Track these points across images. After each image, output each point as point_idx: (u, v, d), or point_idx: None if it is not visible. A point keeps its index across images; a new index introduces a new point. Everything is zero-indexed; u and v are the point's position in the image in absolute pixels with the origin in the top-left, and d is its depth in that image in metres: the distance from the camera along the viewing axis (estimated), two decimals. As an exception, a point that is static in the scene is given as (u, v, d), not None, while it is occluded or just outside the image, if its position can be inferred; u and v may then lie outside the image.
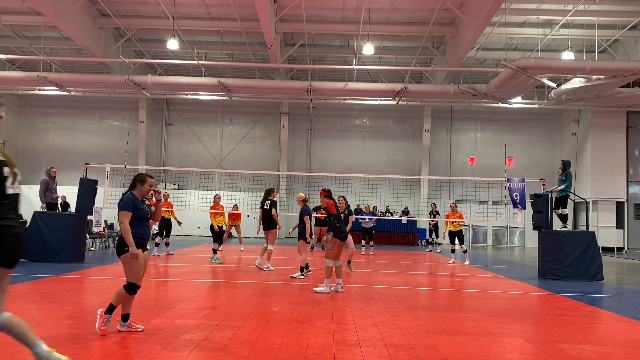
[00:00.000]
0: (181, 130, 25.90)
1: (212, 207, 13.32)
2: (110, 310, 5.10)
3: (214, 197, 13.67)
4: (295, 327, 5.69)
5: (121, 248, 5.08)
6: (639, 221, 23.76)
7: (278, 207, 11.42)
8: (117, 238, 5.18)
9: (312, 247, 17.45)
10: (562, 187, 11.82)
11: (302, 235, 10.38)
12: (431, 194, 24.31)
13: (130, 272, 5.11)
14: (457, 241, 14.35)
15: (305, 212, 10.49)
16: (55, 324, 5.44)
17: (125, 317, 5.19)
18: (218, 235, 12.79)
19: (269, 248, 11.16)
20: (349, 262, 11.46)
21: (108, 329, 5.15)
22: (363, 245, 17.00)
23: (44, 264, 10.98)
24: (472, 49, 17.97)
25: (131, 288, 5.10)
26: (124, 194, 5.22)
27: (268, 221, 11.06)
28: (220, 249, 16.36)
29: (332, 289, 8.25)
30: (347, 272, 11.15)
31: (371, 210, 17.88)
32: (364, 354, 4.70)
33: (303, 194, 10.77)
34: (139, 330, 5.26)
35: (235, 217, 16.41)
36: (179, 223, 14.90)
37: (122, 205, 5.09)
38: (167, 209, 14.41)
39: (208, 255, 12.77)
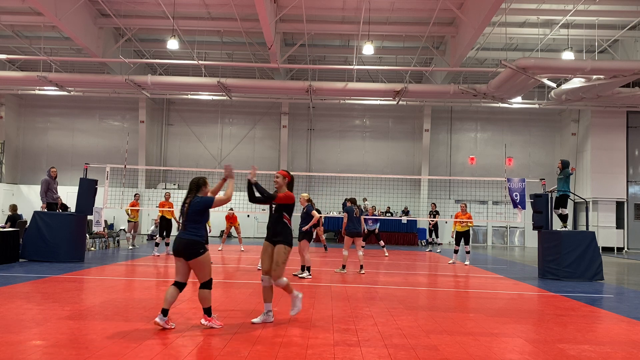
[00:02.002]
0: (181, 130, 25.89)
1: (161, 204, 14.35)
2: (209, 312, 5.51)
3: (165, 194, 14.83)
4: (296, 327, 5.69)
5: (196, 250, 5.44)
6: (639, 221, 23.76)
7: None
8: (173, 240, 5.66)
9: None
10: (562, 176, 11.82)
11: (304, 236, 10.39)
12: (431, 194, 24.30)
13: (206, 272, 5.51)
14: (462, 242, 14.31)
15: (310, 209, 10.52)
16: (55, 324, 5.44)
17: (165, 312, 5.43)
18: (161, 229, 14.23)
19: None
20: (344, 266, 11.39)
21: (109, 329, 5.15)
22: (363, 246, 16.97)
23: (44, 264, 10.99)
24: (472, 49, 17.95)
25: (210, 284, 5.52)
26: (191, 199, 5.59)
27: None
28: (219, 249, 16.41)
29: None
30: (340, 273, 11.17)
31: (374, 212, 17.67)
32: (364, 354, 4.70)
33: (307, 194, 10.83)
34: (172, 327, 5.48)
35: (232, 219, 16.54)
36: (179, 224, 14.89)
37: (209, 201, 5.58)
38: (168, 209, 14.42)
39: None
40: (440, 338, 5.40)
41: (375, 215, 18.81)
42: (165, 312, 5.42)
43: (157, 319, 5.40)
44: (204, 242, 5.56)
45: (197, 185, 5.70)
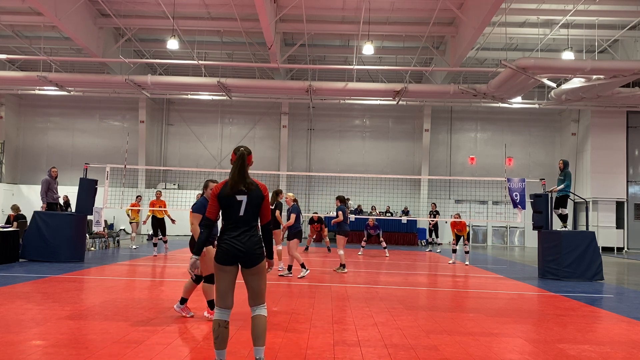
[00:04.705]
0: (181, 130, 25.88)
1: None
2: (212, 305, 5.89)
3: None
4: (295, 327, 5.69)
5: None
6: (639, 221, 23.75)
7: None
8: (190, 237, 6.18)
9: (306, 248, 17.42)
10: (562, 186, 11.85)
11: (294, 235, 10.40)
12: (431, 194, 24.30)
13: (206, 267, 5.87)
14: (461, 241, 14.51)
15: (294, 209, 10.53)
16: (55, 324, 5.44)
17: (183, 301, 6.06)
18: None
19: (278, 248, 11.25)
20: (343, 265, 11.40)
21: (109, 329, 5.16)
22: (363, 246, 17.02)
23: (44, 264, 10.99)
24: (472, 49, 17.94)
25: (211, 278, 5.85)
26: (198, 199, 6.01)
27: (273, 222, 11.07)
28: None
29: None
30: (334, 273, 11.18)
31: (375, 224, 17.49)
32: (364, 354, 4.70)
33: (292, 194, 10.91)
34: (188, 316, 6.04)
35: None
36: (173, 221, 14.85)
37: (195, 208, 5.77)
38: (159, 209, 14.32)
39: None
40: (440, 338, 5.40)
41: (374, 215, 18.80)
42: (182, 301, 6.07)
43: (174, 306, 6.16)
44: None
45: (203, 187, 6.15)
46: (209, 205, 4.06)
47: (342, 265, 11.28)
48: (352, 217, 12.07)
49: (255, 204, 4.01)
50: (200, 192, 5.83)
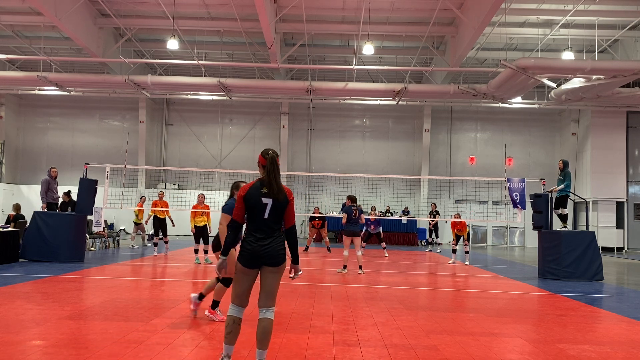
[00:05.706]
0: (181, 130, 25.88)
1: (194, 207, 12.50)
2: (214, 305, 5.94)
3: (198, 196, 12.77)
4: (295, 327, 5.69)
5: (217, 246, 6.14)
6: (639, 221, 23.75)
7: None
8: (214, 237, 6.35)
9: (306, 248, 17.41)
10: (562, 186, 11.85)
11: None
12: (431, 194, 24.29)
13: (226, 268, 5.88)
14: (461, 241, 14.53)
15: None
16: (55, 324, 5.44)
17: (201, 296, 6.12)
18: (196, 236, 12.54)
19: None
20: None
21: (109, 329, 5.16)
22: (363, 247, 17.00)
23: (44, 264, 10.99)
24: (472, 49, 17.94)
25: (227, 282, 5.85)
26: (226, 201, 6.12)
27: None
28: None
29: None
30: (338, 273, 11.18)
31: (376, 219, 17.43)
32: (364, 354, 4.70)
33: None
34: (216, 320, 5.93)
35: None
36: (173, 224, 14.85)
37: (226, 209, 5.83)
38: (162, 209, 14.32)
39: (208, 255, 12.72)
40: (440, 338, 5.40)
41: (376, 216, 18.81)
42: (200, 297, 6.12)
43: (205, 312, 6.06)
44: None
45: (231, 189, 6.21)
46: (235, 207, 4.07)
47: (344, 267, 11.26)
48: (362, 218, 11.72)
49: (280, 206, 4.03)
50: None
